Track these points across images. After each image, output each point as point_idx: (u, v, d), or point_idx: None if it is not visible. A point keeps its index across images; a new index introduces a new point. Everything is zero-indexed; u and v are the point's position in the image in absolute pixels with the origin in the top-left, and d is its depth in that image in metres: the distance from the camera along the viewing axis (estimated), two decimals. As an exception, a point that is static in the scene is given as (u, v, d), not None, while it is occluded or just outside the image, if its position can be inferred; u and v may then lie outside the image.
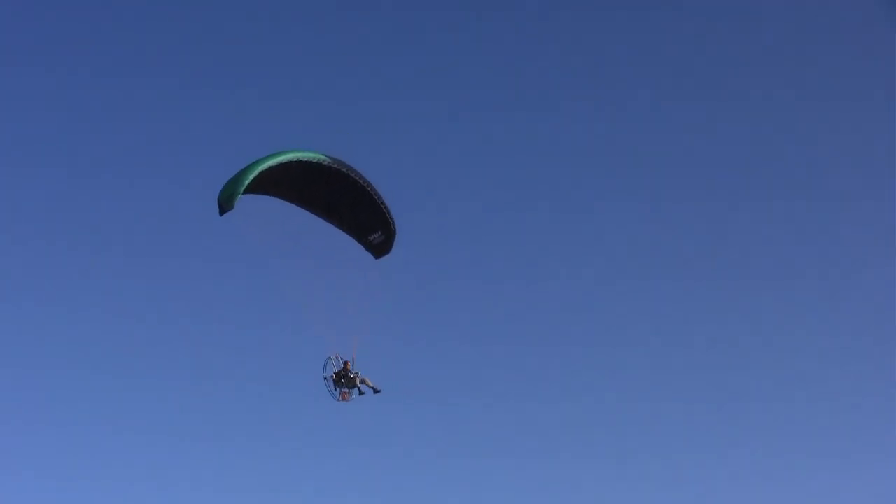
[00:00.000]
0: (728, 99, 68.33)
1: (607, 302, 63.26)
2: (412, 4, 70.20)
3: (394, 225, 28.23)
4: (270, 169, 25.61)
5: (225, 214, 25.02)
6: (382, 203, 27.89)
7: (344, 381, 26.76)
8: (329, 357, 26.85)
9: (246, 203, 25.64)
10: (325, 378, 26.66)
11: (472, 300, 63.03)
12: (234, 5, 69.10)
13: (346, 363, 27.03)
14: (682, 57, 69.17)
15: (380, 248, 28.63)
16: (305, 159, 26.33)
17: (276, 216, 26.62)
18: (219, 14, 68.70)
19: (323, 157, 26.59)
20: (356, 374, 26.94)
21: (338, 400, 26.61)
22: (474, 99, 69.31)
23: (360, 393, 27.01)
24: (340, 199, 27.61)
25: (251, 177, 25.23)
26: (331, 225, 28.26)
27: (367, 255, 28.34)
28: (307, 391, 26.48)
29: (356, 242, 28.65)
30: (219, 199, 25.12)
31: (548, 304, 63.32)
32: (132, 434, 54.87)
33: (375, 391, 27.24)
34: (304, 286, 26.37)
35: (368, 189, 27.55)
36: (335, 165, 26.87)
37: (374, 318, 27.24)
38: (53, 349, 59.27)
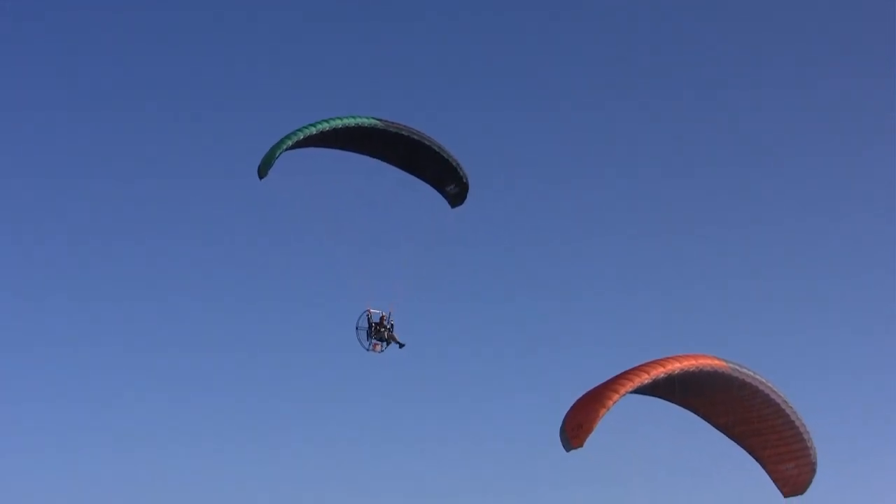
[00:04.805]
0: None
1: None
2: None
3: (466, 179, 28.47)
4: (313, 136, 26.42)
5: (263, 179, 26.60)
6: (451, 158, 28.06)
7: (375, 333, 28.35)
8: (366, 311, 28.38)
9: (294, 162, 26.94)
10: (358, 328, 28.39)
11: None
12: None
13: (382, 316, 28.49)
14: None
15: (455, 198, 29.07)
16: (355, 124, 26.77)
17: (320, 176, 27.62)
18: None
19: (376, 121, 26.83)
20: (388, 328, 28.38)
21: (368, 350, 28.36)
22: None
23: (387, 345, 28.53)
24: (410, 156, 28.02)
25: (288, 144, 26.31)
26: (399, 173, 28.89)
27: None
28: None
29: (434, 191, 29.27)
30: (259, 165, 26.62)
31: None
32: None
33: (400, 345, 28.65)
34: (349, 244, 27.78)
35: (435, 147, 27.71)
36: (391, 128, 27.08)
37: (413, 277, 28.28)
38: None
